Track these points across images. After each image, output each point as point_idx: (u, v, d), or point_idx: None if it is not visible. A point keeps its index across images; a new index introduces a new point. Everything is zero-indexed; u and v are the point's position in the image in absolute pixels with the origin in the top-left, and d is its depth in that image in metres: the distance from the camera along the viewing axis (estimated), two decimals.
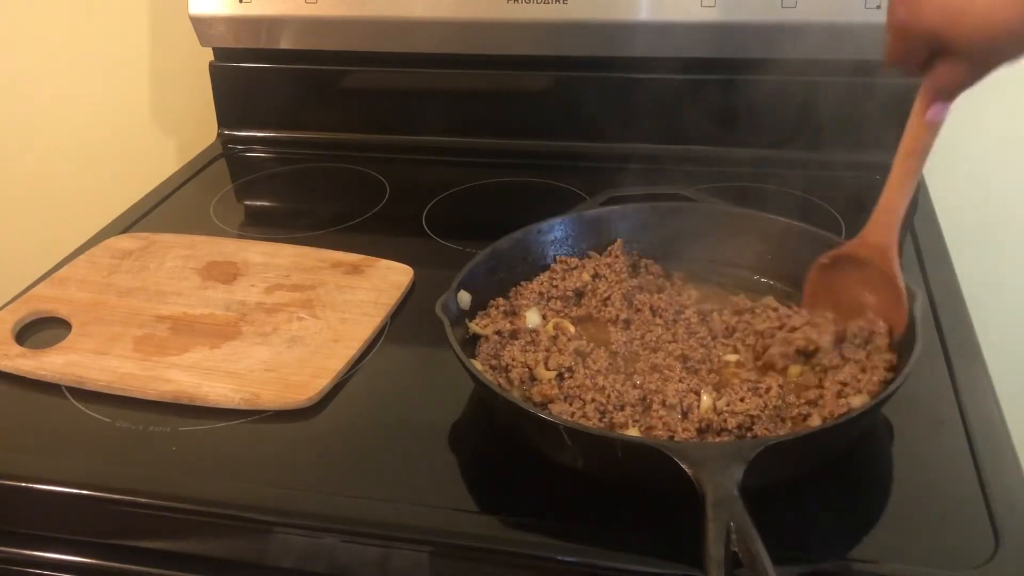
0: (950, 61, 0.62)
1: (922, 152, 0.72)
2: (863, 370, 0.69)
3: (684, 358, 0.73)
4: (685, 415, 0.67)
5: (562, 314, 0.80)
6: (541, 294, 0.81)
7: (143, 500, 0.66)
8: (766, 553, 0.51)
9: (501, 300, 0.80)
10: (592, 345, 0.75)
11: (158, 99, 1.39)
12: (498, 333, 0.76)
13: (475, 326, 0.77)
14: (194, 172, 1.20)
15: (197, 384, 0.76)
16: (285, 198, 1.19)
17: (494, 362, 0.74)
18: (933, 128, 0.70)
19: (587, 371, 0.72)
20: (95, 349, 0.81)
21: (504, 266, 0.83)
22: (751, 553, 0.51)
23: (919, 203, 1.04)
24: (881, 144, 1.09)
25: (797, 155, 1.09)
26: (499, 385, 0.70)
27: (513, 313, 0.79)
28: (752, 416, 0.66)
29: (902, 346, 0.69)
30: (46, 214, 1.49)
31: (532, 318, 0.78)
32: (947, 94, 0.65)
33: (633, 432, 0.66)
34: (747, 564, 0.51)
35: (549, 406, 0.69)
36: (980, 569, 0.57)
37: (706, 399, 0.67)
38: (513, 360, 0.73)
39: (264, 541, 0.65)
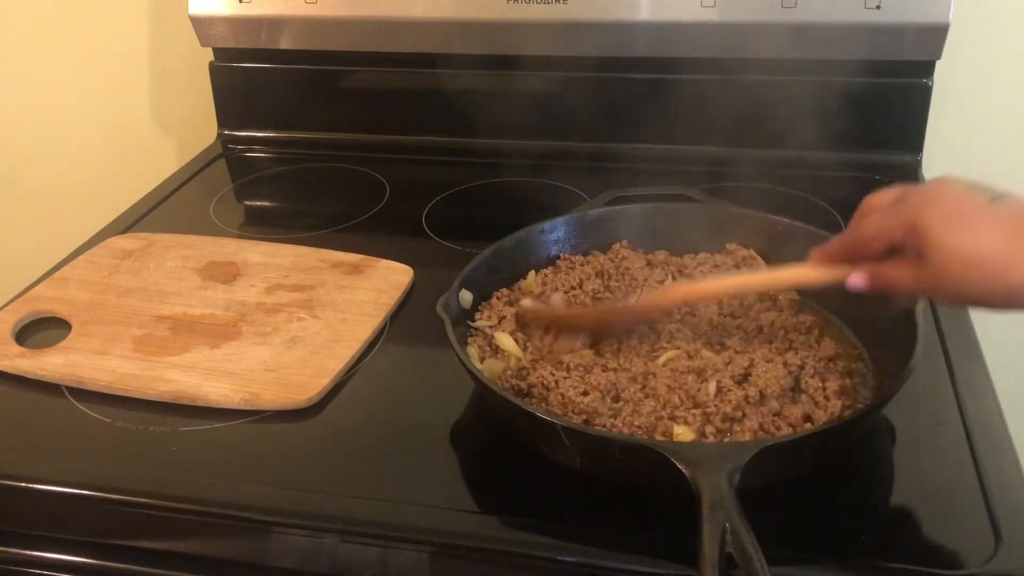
0: (913, 267, 0.58)
1: (789, 286, 0.75)
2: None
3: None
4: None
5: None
6: (544, 285, 0.82)
7: (143, 500, 0.66)
8: (761, 554, 0.51)
9: (505, 290, 0.81)
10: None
11: (158, 99, 1.39)
12: (501, 320, 0.77)
13: (478, 320, 0.77)
14: (194, 172, 1.20)
15: (197, 384, 0.76)
16: (285, 198, 1.19)
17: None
18: (828, 283, 0.66)
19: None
20: (95, 349, 0.81)
21: (506, 265, 0.83)
22: (746, 554, 0.51)
23: None
24: (881, 144, 1.10)
25: (797, 155, 1.09)
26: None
27: (517, 303, 0.79)
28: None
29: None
30: (46, 214, 1.49)
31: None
32: (884, 286, 0.62)
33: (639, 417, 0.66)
34: (742, 565, 0.51)
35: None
36: (980, 569, 0.57)
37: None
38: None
39: (264, 541, 0.65)
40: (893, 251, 0.60)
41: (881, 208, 0.62)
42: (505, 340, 0.76)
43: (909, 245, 0.58)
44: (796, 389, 0.69)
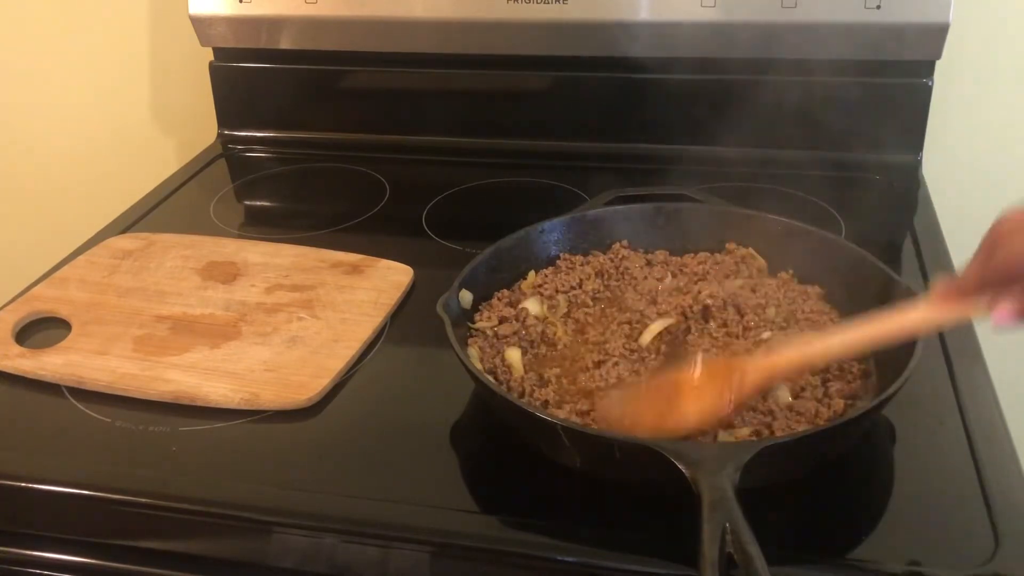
0: None
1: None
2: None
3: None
4: None
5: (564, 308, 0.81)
6: (544, 285, 0.82)
7: (143, 500, 0.66)
8: (761, 554, 0.51)
9: (506, 291, 0.81)
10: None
11: (158, 99, 1.39)
12: (501, 321, 0.77)
13: (478, 321, 0.77)
14: (194, 172, 1.20)
15: (197, 384, 0.76)
16: (285, 198, 1.19)
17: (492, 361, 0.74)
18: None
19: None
20: (95, 349, 0.81)
21: (506, 265, 0.83)
22: (746, 554, 0.51)
23: (919, 203, 1.04)
24: (881, 144, 1.10)
25: (798, 155, 1.09)
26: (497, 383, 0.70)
27: (517, 303, 0.79)
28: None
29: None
30: (46, 214, 1.49)
31: (533, 306, 0.79)
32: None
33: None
34: (742, 565, 0.51)
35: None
36: (980, 569, 0.57)
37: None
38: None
39: (264, 541, 0.65)
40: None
41: (1016, 234, 0.54)
42: (513, 355, 0.75)
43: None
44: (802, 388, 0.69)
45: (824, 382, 0.69)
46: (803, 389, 0.69)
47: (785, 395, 0.69)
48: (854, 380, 0.70)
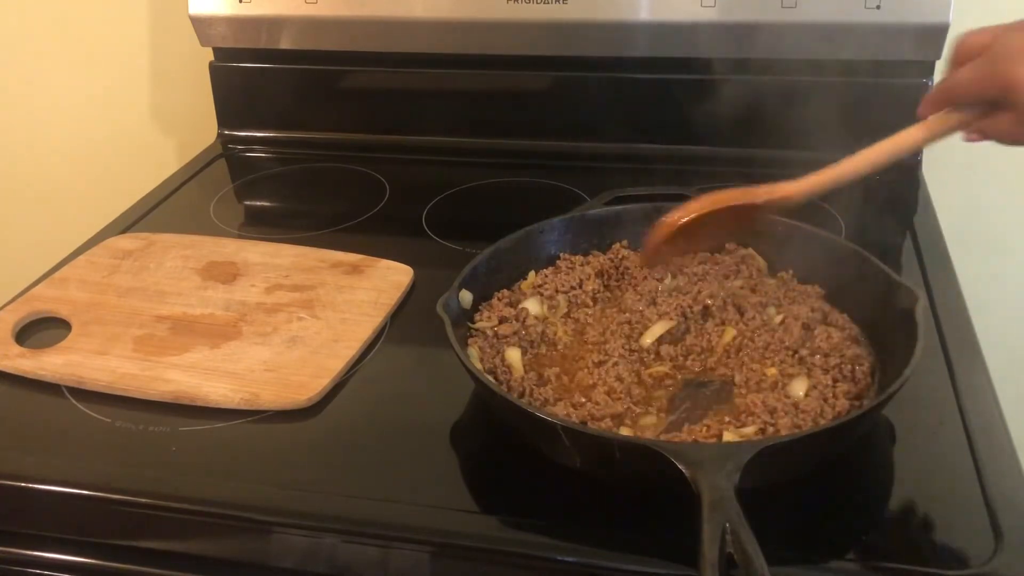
0: (1014, 120, 0.61)
1: (905, 152, 0.72)
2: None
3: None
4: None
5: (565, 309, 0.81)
6: (543, 285, 0.82)
7: (143, 500, 0.66)
8: (761, 554, 0.51)
9: (506, 291, 0.81)
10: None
11: (158, 99, 1.39)
12: (501, 321, 0.77)
13: (478, 321, 0.77)
14: (194, 172, 1.20)
15: (197, 384, 0.76)
16: (285, 198, 1.19)
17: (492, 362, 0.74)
18: (936, 140, 0.69)
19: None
20: (95, 349, 0.81)
21: (506, 266, 0.83)
22: (746, 554, 0.51)
23: (919, 203, 1.04)
24: None
25: (797, 155, 1.09)
26: (497, 383, 0.70)
27: (517, 304, 0.79)
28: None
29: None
30: (46, 214, 1.49)
31: (533, 306, 0.79)
32: (994, 138, 0.64)
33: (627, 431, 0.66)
34: (742, 565, 0.51)
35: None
36: (980, 569, 0.57)
37: None
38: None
39: (264, 541, 0.65)
40: (988, 103, 0.62)
41: (976, 57, 0.62)
42: (513, 355, 0.75)
43: (1007, 100, 0.60)
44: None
45: (834, 382, 0.69)
46: (813, 387, 0.69)
47: (799, 389, 0.69)
48: (862, 381, 0.70)
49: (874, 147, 0.70)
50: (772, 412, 0.67)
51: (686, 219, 0.74)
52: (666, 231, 0.75)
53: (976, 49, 0.62)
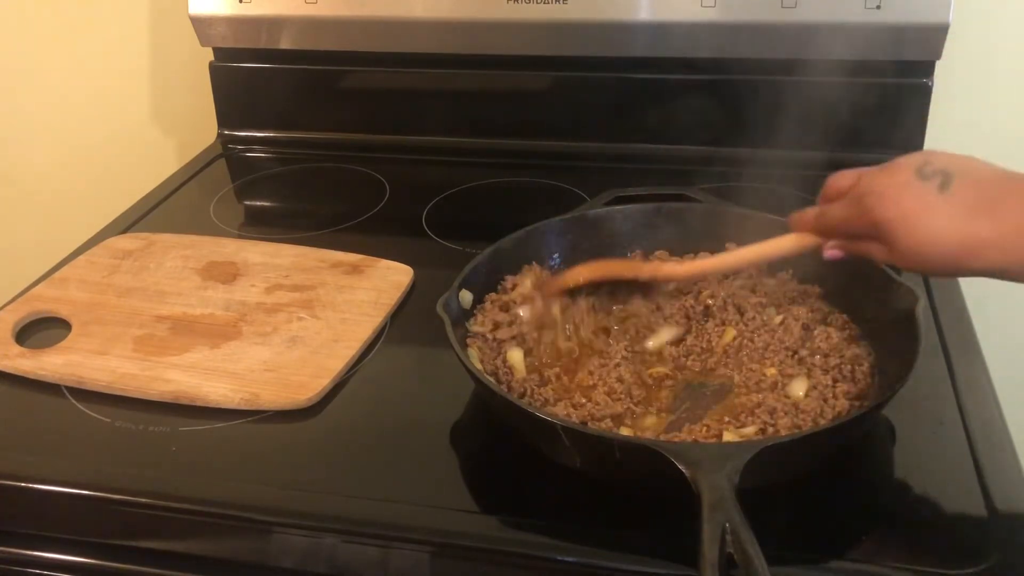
0: (884, 251, 0.63)
1: (781, 255, 0.75)
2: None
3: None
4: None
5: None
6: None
7: (143, 500, 0.66)
8: (761, 554, 0.51)
9: (494, 295, 0.80)
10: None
11: (158, 99, 1.39)
12: (495, 326, 0.76)
13: (473, 325, 0.77)
14: (194, 172, 1.20)
15: (197, 384, 0.76)
16: (285, 198, 1.19)
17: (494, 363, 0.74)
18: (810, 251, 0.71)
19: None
20: (95, 349, 0.81)
21: (506, 266, 0.82)
22: (746, 554, 0.51)
23: None
24: (881, 144, 1.10)
25: (797, 155, 1.09)
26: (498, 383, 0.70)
27: (507, 308, 0.79)
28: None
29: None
30: (46, 214, 1.49)
31: (526, 314, 0.78)
32: (861, 256, 0.66)
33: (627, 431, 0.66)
34: (742, 565, 0.51)
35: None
36: (980, 569, 0.57)
37: None
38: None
39: (264, 541, 0.65)
40: (860, 237, 0.64)
41: (843, 197, 0.65)
42: (515, 356, 0.75)
43: (877, 237, 0.62)
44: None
45: (834, 382, 0.69)
46: (813, 387, 0.69)
47: (799, 389, 0.69)
48: (862, 381, 0.70)
49: (753, 247, 0.74)
50: (772, 412, 0.67)
51: (569, 285, 0.78)
52: (552, 292, 0.79)
53: (842, 190, 0.65)
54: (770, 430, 0.65)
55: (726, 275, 0.82)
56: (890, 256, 0.62)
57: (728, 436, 0.65)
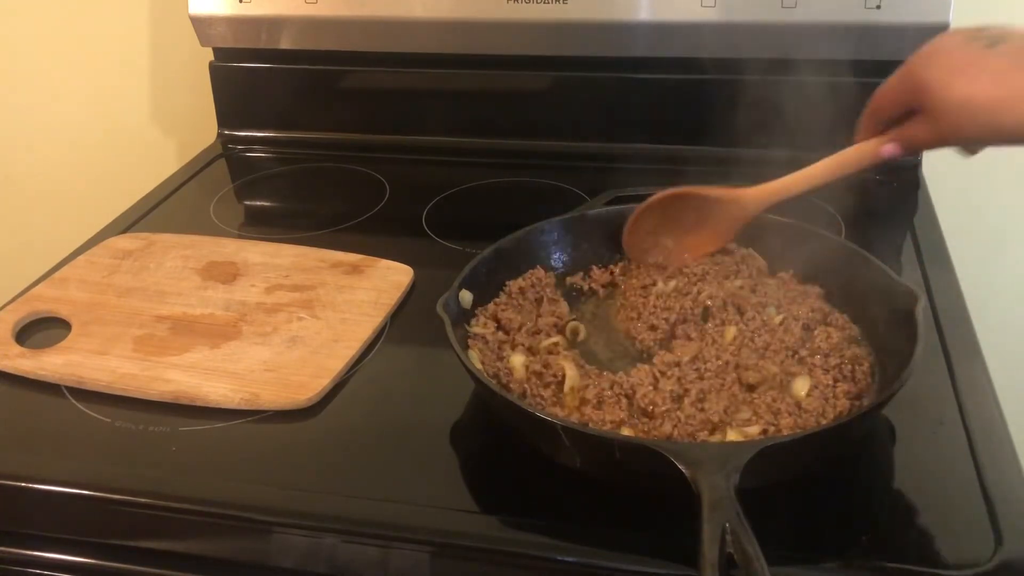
0: (925, 122, 0.64)
1: (851, 168, 0.77)
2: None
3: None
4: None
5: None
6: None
7: (143, 500, 0.66)
8: (761, 554, 0.51)
9: (490, 306, 0.80)
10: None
11: (158, 99, 1.39)
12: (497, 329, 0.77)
13: (474, 326, 0.77)
14: (194, 172, 1.20)
15: (197, 384, 0.76)
16: (285, 198, 1.19)
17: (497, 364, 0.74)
18: (876, 158, 0.73)
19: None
20: (95, 349, 0.81)
21: (506, 266, 0.82)
22: (746, 554, 0.51)
23: (919, 203, 1.04)
24: None
25: (797, 155, 1.09)
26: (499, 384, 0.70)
27: (497, 320, 0.78)
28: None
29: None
30: (46, 214, 1.49)
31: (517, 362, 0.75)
32: (910, 146, 0.68)
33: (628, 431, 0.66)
34: (742, 565, 0.51)
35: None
36: (980, 569, 0.57)
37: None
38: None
39: (264, 541, 0.65)
40: (909, 109, 0.65)
41: (894, 75, 0.66)
42: (516, 360, 0.74)
43: (917, 103, 0.63)
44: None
45: (835, 382, 0.69)
46: (815, 387, 0.69)
47: (801, 388, 0.69)
48: (862, 381, 0.70)
49: (822, 162, 0.76)
50: (776, 413, 0.67)
51: (648, 204, 0.81)
52: (634, 219, 0.81)
53: (896, 72, 0.67)
54: (771, 430, 0.65)
55: (727, 276, 0.82)
56: (933, 128, 0.62)
57: (732, 435, 0.65)
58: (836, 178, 0.79)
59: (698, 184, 0.86)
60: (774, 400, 0.68)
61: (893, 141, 0.68)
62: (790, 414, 0.66)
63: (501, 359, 0.74)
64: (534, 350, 0.76)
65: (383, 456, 0.70)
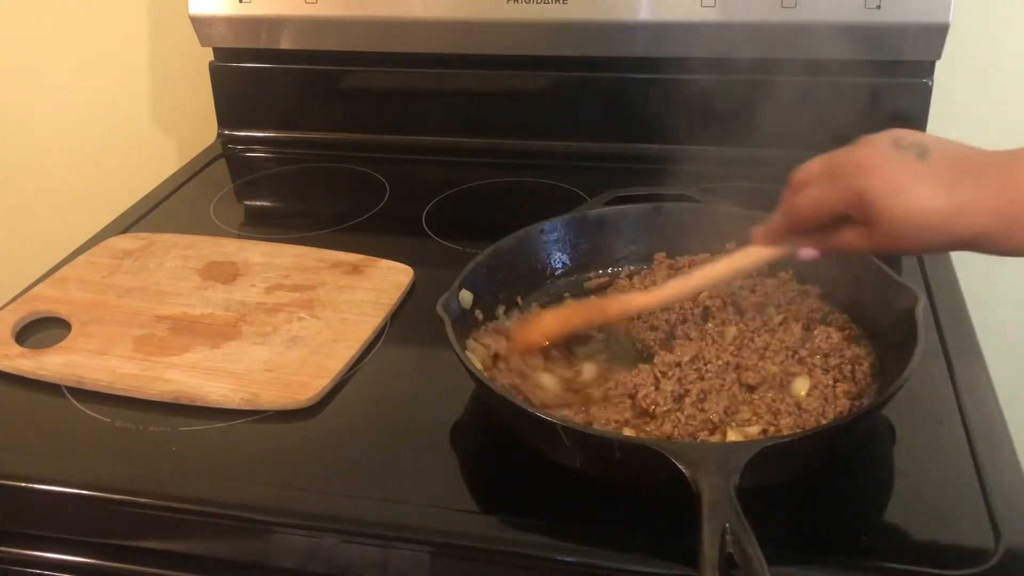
0: (859, 233, 0.61)
1: (748, 271, 0.75)
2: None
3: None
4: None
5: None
6: None
7: (143, 500, 0.66)
8: (761, 554, 0.51)
9: (493, 324, 0.79)
10: None
11: (158, 99, 1.39)
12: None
13: (472, 348, 0.75)
14: (194, 172, 1.20)
15: (197, 384, 0.76)
16: (285, 198, 1.19)
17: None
18: (781, 259, 0.70)
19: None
20: (95, 349, 0.81)
21: (506, 266, 0.82)
22: (746, 554, 0.51)
23: None
24: None
25: (797, 155, 1.09)
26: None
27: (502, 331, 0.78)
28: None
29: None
30: (46, 214, 1.49)
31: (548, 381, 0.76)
32: (835, 253, 0.65)
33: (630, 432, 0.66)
34: (742, 565, 0.51)
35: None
36: (980, 569, 0.57)
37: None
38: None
39: (264, 541, 0.65)
40: (835, 220, 0.62)
41: (815, 180, 0.63)
42: (546, 379, 0.74)
43: (855, 214, 0.60)
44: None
45: (835, 382, 0.69)
46: (815, 387, 0.69)
47: (801, 388, 0.69)
48: (862, 381, 0.70)
49: (720, 263, 0.72)
50: (776, 413, 0.67)
51: (537, 346, 0.75)
52: (523, 353, 0.75)
53: (812, 176, 0.63)
54: (771, 430, 0.65)
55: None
56: (868, 238, 0.60)
57: (732, 435, 0.65)
58: (729, 279, 0.76)
59: (697, 183, 0.86)
60: (774, 400, 0.68)
61: (818, 247, 0.65)
62: (790, 414, 0.66)
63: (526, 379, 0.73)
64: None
65: (383, 456, 0.70)
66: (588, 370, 0.75)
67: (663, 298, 0.75)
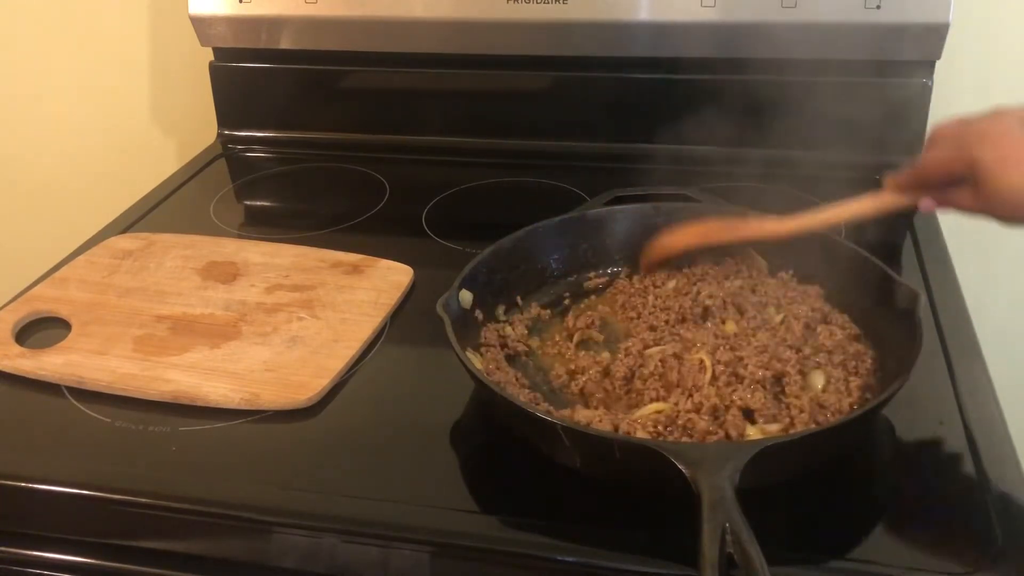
0: (973, 195, 0.66)
1: (879, 213, 0.77)
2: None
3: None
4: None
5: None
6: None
7: (143, 500, 0.66)
8: (761, 554, 0.51)
9: (495, 325, 0.80)
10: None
11: (158, 99, 1.39)
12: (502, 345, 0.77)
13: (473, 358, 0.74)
14: (194, 172, 1.20)
15: (197, 384, 0.76)
16: (285, 198, 1.19)
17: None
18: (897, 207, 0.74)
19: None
20: (95, 349, 0.81)
21: (506, 266, 0.83)
22: (746, 554, 0.51)
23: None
24: (881, 144, 1.10)
25: (797, 155, 1.09)
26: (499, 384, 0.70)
27: (505, 345, 0.78)
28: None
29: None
30: (46, 214, 1.49)
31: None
32: (950, 209, 0.70)
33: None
34: (742, 565, 0.51)
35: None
36: (980, 569, 0.57)
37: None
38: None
39: (264, 541, 0.65)
40: (955, 180, 0.67)
41: (944, 140, 0.68)
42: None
43: (968, 177, 0.65)
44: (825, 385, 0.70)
45: (847, 376, 0.70)
46: (829, 382, 0.69)
47: (818, 381, 0.69)
48: (868, 377, 0.70)
49: (848, 204, 0.76)
50: (788, 407, 0.67)
51: (670, 255, 0.82)
52: (658, 256, 0.83)
53: (946, 135, 0.68)
54: (787, 426, 0.66)
55: (727, 276, 0.82)
56: (976, 201, 0.65)
57: (751, 432, 0.65)
58: (858, 220, 0.78)
59: (697, 183, 0.86)
60: (797, 396, 0.68)
61: (935, 202, 0.71)
62: (802, 410, 0.66)
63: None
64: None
65: (383, 456, 0.70)
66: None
67: (793, 228, 0.78)
